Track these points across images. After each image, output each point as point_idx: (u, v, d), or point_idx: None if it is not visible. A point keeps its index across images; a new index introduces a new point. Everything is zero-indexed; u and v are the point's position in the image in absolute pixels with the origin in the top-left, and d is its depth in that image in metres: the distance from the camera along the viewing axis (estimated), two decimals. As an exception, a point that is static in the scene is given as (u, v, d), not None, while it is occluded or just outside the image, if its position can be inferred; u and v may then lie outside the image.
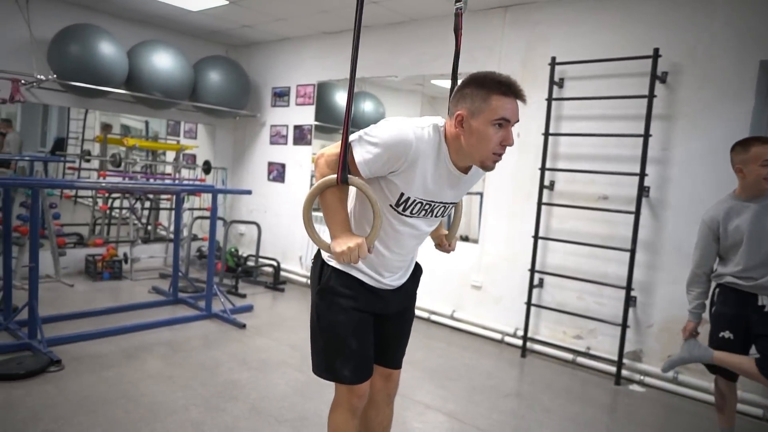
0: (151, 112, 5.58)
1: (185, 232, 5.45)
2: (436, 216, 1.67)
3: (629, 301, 3.45)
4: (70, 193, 6.76)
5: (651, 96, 3.33)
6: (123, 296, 4.63)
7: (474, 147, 1.48)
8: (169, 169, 6.46)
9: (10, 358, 2.98)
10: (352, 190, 1.66)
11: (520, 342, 3.92)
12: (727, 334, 2.42)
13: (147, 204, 6.13)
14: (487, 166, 1.52)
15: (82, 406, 2.60)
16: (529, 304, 3.87)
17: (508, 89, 1.45)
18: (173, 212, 5.55)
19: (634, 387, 3.42)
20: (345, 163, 1.48)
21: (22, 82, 4.50)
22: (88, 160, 6.27)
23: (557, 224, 3.88)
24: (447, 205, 1.67)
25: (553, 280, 3.88)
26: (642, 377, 3.44)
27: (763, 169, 2.32)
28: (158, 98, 5.06)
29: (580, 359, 3.69)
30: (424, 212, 1.61)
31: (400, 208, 1.58)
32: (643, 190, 3.39)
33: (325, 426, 2.53)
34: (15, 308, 3.53)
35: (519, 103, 1.48)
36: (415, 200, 1.56)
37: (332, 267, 1.68)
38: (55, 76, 4.50)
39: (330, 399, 1.79)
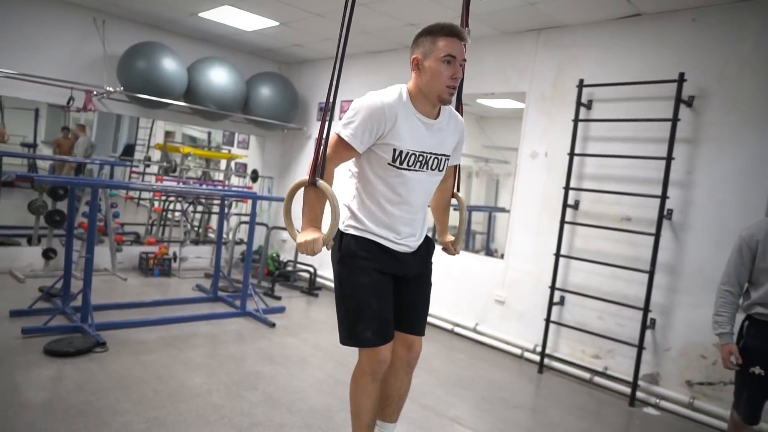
0: (206, 122, 6.02)
1: (230, 236, 5.81)
2: (432, 169, 1.86)
3: (646, 323, 3.44)
4: (133, 195, 7.34)
5: (675, 119, 3.35)
6: (169, 291, 5.00)
7: (429, 83, 1.75)
8: (221, 176, 6.90)
9: (64, 338, 3.34)
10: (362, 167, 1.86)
11: (539, 358, 3.95)
12: (758, 371, 2.25)
13: (199, 208, 6.56)
14: (444, 99, 1.77)
15: (119, 383, 2.90)
16: (548, 321, 3.90)
17: (451, 30, 1.74)
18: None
19: (649, 410, 3.39)
20: (316, 169, 1.71)
21: (94, 93, 5.01)
22: (147, 165, 6.79)
23: (581, 243, 3.91)
24: (439, 157, 1.86)
25: (574, 298, 3.90)
26: (658, 400, 3.41)
27: None
28: (212, 110, 5.46)
29: (597, 379, 3.69)
30: (419, 164, 1.81)
31: (397, 162, 1.78)
32: (663, 213, 3.40)
33: (334, 419, 2.73)
34: (72, 295, 3.92)
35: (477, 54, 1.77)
36: (407, 152, 1.77)
37: (350, 234, 1.87)
38: (122, 88, 4.98)
39: (343, 395, 1.97)
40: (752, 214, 3.11)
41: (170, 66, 5.07)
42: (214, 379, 3.09)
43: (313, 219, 1.75)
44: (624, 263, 3.62)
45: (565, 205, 3.87)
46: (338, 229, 1.90)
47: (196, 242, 6.28)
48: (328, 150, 1.75)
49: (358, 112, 1.73)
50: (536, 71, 4.24)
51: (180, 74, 5.17)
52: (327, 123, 1.72)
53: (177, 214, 6.09)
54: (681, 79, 3.33)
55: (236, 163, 6.76)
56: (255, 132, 6.50)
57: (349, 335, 1.85)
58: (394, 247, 1.87)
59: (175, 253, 5.65)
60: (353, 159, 1.87)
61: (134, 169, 6.88)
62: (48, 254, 4.82)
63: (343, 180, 1.98)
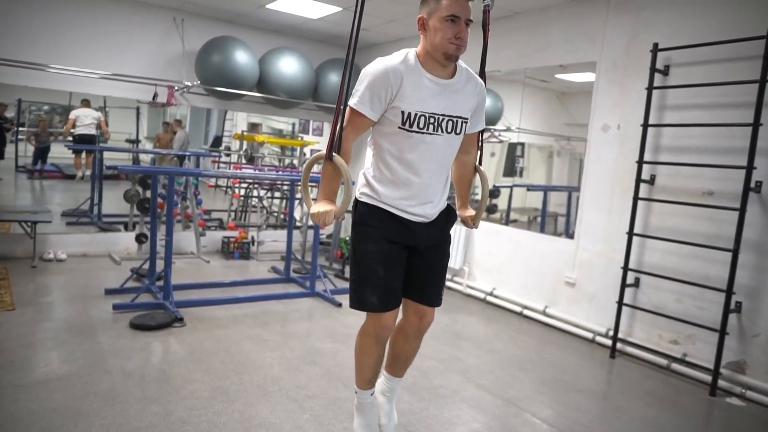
0: (278, 111, 6.25)
1: (304, 220, 6.02)
2: (448, 132, 1.83)
3: (729, 306, 3.15)
4: (221, 183, 7.78)
5: (763, 81, 3.01)
6: (246, 273, 5.29)
7: (434, 41, 1.73)
8: (296, 163, 7.14)
9: (147, 313, 3.65)
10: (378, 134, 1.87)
11: (611, 342, 3.75)
12: None
13: (277, 194, 6.85)
14: (450, 55, 1.74)
15: (191, 354, 3.13)
16: (620, 303, 3.69)
17: None
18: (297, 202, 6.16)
19: (733, 400, 3.12)
20: (332, 144, 1.73)
21: (176, 88, 5.36)
22: (228, 155, 7.17)
23: (657, 221, 3.64)
24: (454, 119, 1.83)
25: (650, 280, 3.65)
26: (743, 390, 3.12)
27: None
28: (283, 98, 5.66)
29: (675, 365, 3.45)
30: (431, 126, 1.79)
31: (407, 125, 1.77)
32: (750, 185, 3.07)
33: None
34: (158, 276, 4.27)
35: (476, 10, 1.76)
36: (416, 114, 1.76)
37: (364, 202, 1.90)
38: (199, 82, 5.29)
39: None
40: None
41: (242, 58, 5.30)
42: (277, 354, 3.25)
43: (328, 192, 1.80)
44: (705, 241, 3.33)
45: (638, 180, 3.62)
46: (356, 197, 1.94)
47: (274, 227, 6.57)
48: (345, 124, 1.78)
49: (362, 79, 1.76)
50: (607, 38, 3.97)
51: (252, 66, 5.39)
52: (343, 97, 1.74)
53: (254, 200, 6.39)
54: (769, 35, 2.98)
55: (311, 150, 6.96)
56: (327, 119, 6.65)
57: (356, 299, 1.89)
58: (406, 216, 1.87)
59: (253, 237, 5.95)
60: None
61: (217, 158, 7.30)
62: (139, 239, 5.27)
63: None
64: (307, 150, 6.85)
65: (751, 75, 3.11)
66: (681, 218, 3.51)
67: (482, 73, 1.99)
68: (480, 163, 2.12)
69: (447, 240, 2.04)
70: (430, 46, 1.75)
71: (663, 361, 3.51)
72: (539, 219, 6.75)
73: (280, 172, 6.42)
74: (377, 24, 5.45)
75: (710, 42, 3.28)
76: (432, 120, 1.78)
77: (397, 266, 1.89)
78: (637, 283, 3.73)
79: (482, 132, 2.07)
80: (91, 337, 3.25)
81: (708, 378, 3.24)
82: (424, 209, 1.89)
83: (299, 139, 7.22)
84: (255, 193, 6.37)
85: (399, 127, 1.77)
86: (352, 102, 1.76)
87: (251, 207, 6.38)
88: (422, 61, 1.78)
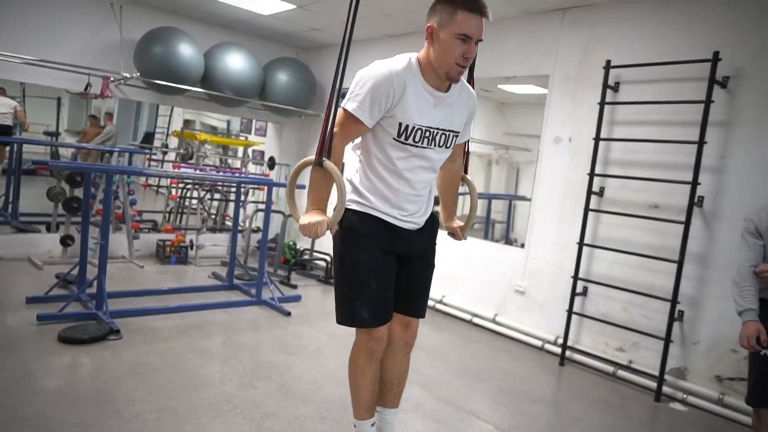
0: (223, 109, 5.97)
1: (246, 224, 5.78)
2: (439, 146, 1.75)
3: (674, 315, 3.30)
4: (152, 182, 7.36)
5: (708, 102, 3.17)
6: (185, 279, 4.99)
7: (439, 57, 1.62)
8: (238, 164, 6.86)
9: (78, 325, 3.33)
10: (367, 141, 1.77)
11: (559, 350, 3.83)
12: (765, 352, 2.22)
13: (216, 196, 6.54)
14: (452, 77, 1.65)
15: (132, 371, 2.87)
16: (570, 312, 3.78)
17: (473, 5, 1.58)
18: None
19: (676, 405, 3.26)
20: (323, 149, 1.61)
21: (111, 79, 4.98)
22: (165, 153, 6.79)
23: (606, 232, 3.76)
24: (446, 133, 1.75)
25: (598, 289, 3.76)
26: (685, 396, 3.27)
27: None
28: (229, 96, 5.40)
29: (621, 372, 3.56)
30: (426, 140, 1.71)
31: (402, 137, 1.68)
32: (694, 200, 3.23)
33: (348, 410, 2.66)
34: (85, 281, 3.92)
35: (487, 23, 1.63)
36: (414, 127, 1.67)
37: (353, 209, 1.78)
38: (138, 74, 4.94)
39: None
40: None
41: (187, 51, 5.01)
42: (227, 369, 3.05)
43: (318, 200, 1.67)
44: (651, 252, 3.47)
45: (589, 192, 3.72)
46: None
47: (213, 230, 6.26)
48: (336, 128, 1.66)
49: (364, 82, 1.63)
50: (560, 53, 4.07)
51: (197, 60, 5.11)
52: (335, 99, 1.63)
53: (194, 201, 6.07)
54: (716, 59, 3.14)
55: (253, 151, 6.72)
56: (272, 119, 6.43)
57: (345, 314, 1.78)
58: (398, 223, 1.78)
59: (191, 241, 5.64)
60: None
61: (152, 156, 6.88)
62: (65, 241, 4.84)
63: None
64: (250, 151, 6.59)
65: (697, 95, 3.27)
66: (628, 230, 3.64)
67: (470, 78, 1.94)
68: (466, 172, 2.07)
69: (434, 248, 1.98)
70: (435, 59, 1.65)
71: (609, 368, 3.62)
72: (483, 226, 6.88)
73: (222, 173, 6.14)
74: (330, 24, 5.33)
75: (659, 62, 3.43)
76: (427, 134, 1.71)
77: (390, 277, 1.80)
78: (585, 292, 3.84)
79: (468, 140, 2.02)
80: (14, 353, 2.91)
81: (653, 384, 3.37)
82: (414, 217, 1.82)
83: (243, 138, 6.94)
84: (194, 194, 6.04)
85: (394, 138, 1.69)
86: (350, 106, 1.64)
87: (190, 209, 6.04)
88: (423, 69, 1.69)
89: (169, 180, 6.32)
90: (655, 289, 3.46)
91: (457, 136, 1.82)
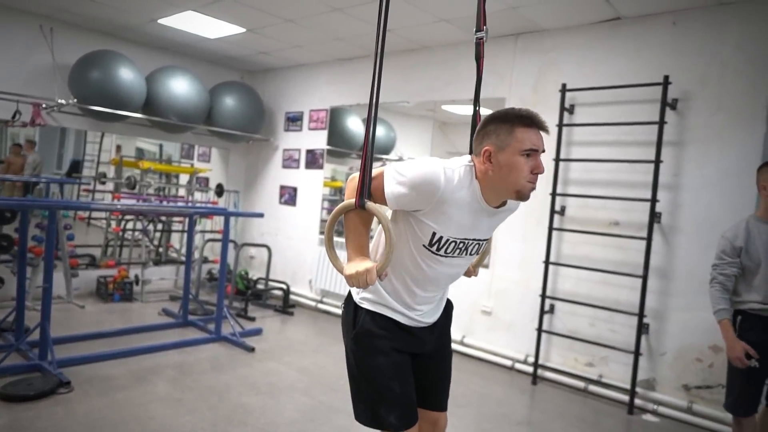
0: (167, 135, 5.68)
1: (196, 255, 5.49)
2: (470, 254, 1.65)
3: (642, 328, 3.41)
4: (84, 214, 6.85)
5: (662, 123, 3.34)
6: (133, 318, 4.65)
7: (507, 179, 1.49)
8: (182, 192, 6.54)
9: (21, 379, 2.99)
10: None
11: (530, 369, 3.86)
12: (753, 363, 2.32)
13: (159, 226, 6.18)
14: (524, 195, 1.52)
15: (91, 429, 2.59)
16: (540, 330, 3.82)
17: (531, 121, 1.49)
18: (185, 234, 5.61)
19: (648, 417, 3.35)
20: (363, 190, 1.50)
21: (43, 106, 4.61)
22: (103, 182, 6.36)
23: (569, 250, 3.86)
24: (481, 242, 1.65)
25: (564, 306, 3.84)
26: (656, 407, 3.37)
27: None
28: (174, 122, 5.15)
29: (592, 387, 3.63)
30: (458, 251, 1.60)
31: (434, 248, 1.57)
32: (654, 216, 3.38)
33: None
34: (27, 329, 3.55)
35: (543, 134, 1.52)
36: (448, 239, 1.56)
37: (366, 309, 1.66)
38: (75, 100, 4.61)
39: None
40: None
41: (127, 76, 4.73)
42: (197, 416, 2.83)
43: (360, 246, 1.53)
44: (613, 268, 3.58)
45: (552, 211, 3.81)
46: (353, 299, 1.70)
47: (157, 263, 5.90)
48: (378, 181, 1.53)
49: (412, 180, 1.48)
50: (515, 77, 4.18)
51: (138, 84, 4.84)
52: (370, 137, 1.52)
53: (137, 233, 5.70)
54: (666, 82, 3.32)
55: (197, 177, 6.42)
56: (218, 144, 6.20)
57: (371, 418, 1.64)
58: (412, 324, 1.68)
59: (136, 276, 5.28)
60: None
61: (86, 187, 6.41)
62: (-5, 284, 4.38)
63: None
64: (197, 177, 6.30)
65: (649, 117, 3.44)
66: (591, 247, 3.75)
67: (476, 104, 1.88)
68: None
69: (449, 338, 1.88)
70: (501, 181, 1.50)
71: (581, 384, 3.68)
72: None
73: (167, 203, 5.82)
74: (280, 48, 5.22)
75: (613, 86, 3.59)
76: (461, 245, 1.60)
77: (410, 377, 1.69)
78: (552, 310, 3.90)
79: None
80: (-52, 417, 2.57)
81: (624, 398, 3.45)
82: (427, 316, 1.71)
83: (189, 165, 6.63)
84: (137, 225, 5.68)
85: (424, 246, 1.57)
86: (388, 189, 1.50)
87: (133, 241, 5.66)
88: (482, 188, 1.54)
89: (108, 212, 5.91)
90: (620, 304, 3.56)
91: (487, 241, 1.73)
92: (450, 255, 1.60)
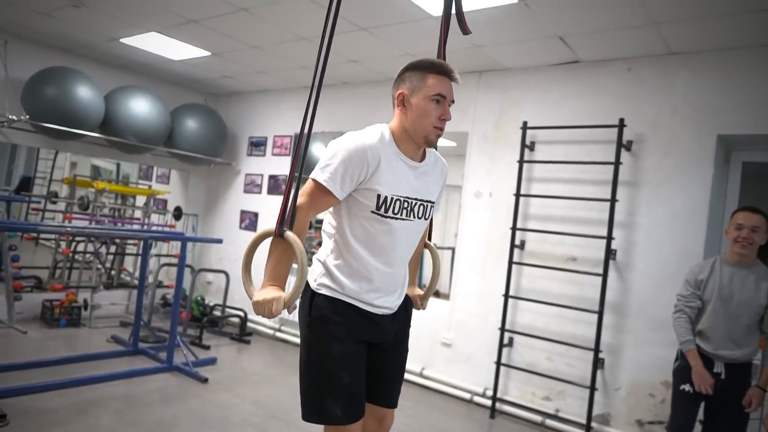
0: (124, 156, 5.53)
1: (150, 279, 5.30)
2: (418, 217, 1.70)
3: (597, 363, 3.46)
4: (32, 234, 6.56)
5: (617, 163, 3.46)
6: (79, 345, 4.42)
7: (416, 122, 1.61)
8: (138, 214, 6.35)
9: (-50, 412, 2.79)
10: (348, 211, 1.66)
11: (489, 402, 3.86)
12: (687, 387, 2.53)
13: (113, 248, 5.96)
14: (431, 140, 1.64)
15: (25, 467, 2.43)
16: (498, 363, 3.83)
17: (442, 68, 1.62)
18: (139, 258, 5.42)
19: (603, 452, 3.38)
20: (284, 218, 1.52)
21: (-7, 121, 4.43)
22: (54, 202, 6.11)
23: (528, 283, 3.91)
24: (425, 204, 1.71)
25: (522, 339, 3.87)
26: (610, 442, 3.41)
27: (734, 232, 2.48)
28: (133, 143, 5.02)
29: (549, 421, 3.65)
30: (404, 211, 1.65)
31: (382, 210, 1.60)
32: (610, 253, 3.47)
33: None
34: (-39, 357, 3.33)
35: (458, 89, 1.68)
36: (392, 198, 1.61)
37: (323, 294, 1.64)
38: (27, 117, 4.44)
39: None
40: (688, 255, 3.25)
41: (85, 94, 4.60)
42: (142, 453, 2.68)
43: (275, 276, 1.53)
44: (569, 303, 3.64)
45: (512, 245, 3.87)
46: (310, 287, 1.68)
47: (108, 287, 5.67)
48: (303, 198, 1.55)
49: (336, 154, 1.55)
50: (478, 112, 4.28)
51: (96, 103, 4.71)
52: (299, 161, 1.53)
53: (88, 255, 5.47)
54: (621, 125, 3.46)
55: (155, 199, 6.25)
56: (178, 166, 6.07)
57: (314, 410, 1.61)
58: (372, 310, 1.67)
59: (85, 300, 5.05)
60: (330, 210, 1.68)
61: (35, 206, 6.15)
62: (-72, 307, 4.10)
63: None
64: (152, 200, 6.12)
65: (605, 157, 3.57)
66: (548, 281, 3.81)
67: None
68: (429, 239, 2.03)
69: (408, 333, 1.87)
70: (411, 125, 1.62)
71: (538, 418, 3.69)
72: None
73: (121, 224, 5.63)
74: (245, 73, 5.20)
75: (571, 125, 3.71)
76: (406, 204, 1.64)
77: (362, 370, 1.66)
78: (511, 343, 3.92)
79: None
80: None
81: (580, 432, 3.48)
82: (389, 300, 1.71)
83: (146, 187, 6.46)
84: (89, 247, 5.46)
85: (372, 212, 1.60)
86: (321, 177, 1.54)
87: (84, 264, 5.43)
88: (397, 140, 1.64)
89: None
90: (576, 338, 3.62)
91: (433, 206, 1.78)
92: (398, 216, 1.64)
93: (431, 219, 1.97)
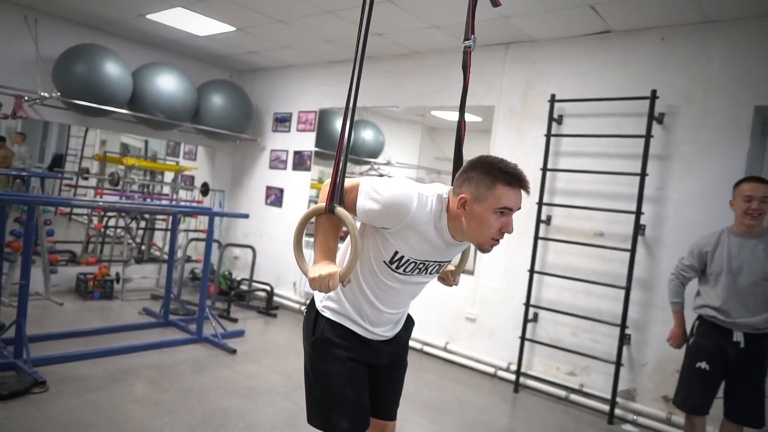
0: (152, 132, 5.61)
1: (179, 254, 5.42)
2: (430, 273, 1.66)
3: (623, 339, 3.43)
4: (65, 209, 6.74)
5: (648, 136, 3.37)
6: (112, 317, 4.57)
7: (474, 230, 1.49)
8: (166, 190, 6.46)
9: (-6, 378, 2.92)
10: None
11: (513, 377, 3.87)
12: (704, 365, 2.54)
13: (142, 224, 6.10)
14: (484, 250, 1.52)
15: (65, 430, 2.54)
16: (523, 338, 3.83)
17: (514, 180, 1.45)
18: (168, 233, 5.53)
19: (628, 427, 3.37)
20: (334, 195, 1.49)
21: (26, 98, 4.53)
22: (86, 178, 6.26)
23: (553, 259, 3.88)
24: (441, 263, 1.66)
25: (547, 315, 3.86)
26: (635, 417, 3.40)
27: (743, 204, 2.46)
28: (160, 119, 5.09)
29: (573, 396, 3.65)
30: (417, 270, 1.61)
31: (394, 266, 1.58)
32: (639, 228, 3.41)
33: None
34: (2, 326, 3.47)
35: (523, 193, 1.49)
36: (409, 259, 1.57)
37: (326, 318, 1.67)
38: (58, 93, 4.53)
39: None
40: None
41: (114, 71, 4.66)
42: (174, 419, 2.78)
43: (327, 250, 1.53)
44: (596, 278, 3.60)
45: (538, 221, 3.83)
46: (315, 306, 1.71)
47: (139, 261, 5.81)
48: (349, 184, 1.53)
49: (385, 199, 1.47)
50: (504, 86, 4.20)
51: (124, 80, 4.77)
52: (345, 138, 1.51)
53: (119, 230, 5.61)
54: (654, 96, 3.36)
55: (183, 175, 6.35)
56: (204, 142, 6.14)
57: (322, 420, 1.66)
58: (370, 336, 1.69)
59: (117, 274, 5.19)
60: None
61: (68, 182, 6.30)
62: (-30, 279, 4.27)
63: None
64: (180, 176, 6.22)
65: (635, 130, 3.48)
66: (575, 256, 3.77)
67: (461, 114, 1.87)
68: None
69: (407, 351, 1.89)
70: (468, 231, 1.50)
71: (562, 393, 3.70)
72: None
73: (151, 200, 5.74)
74: (270, 48, 5.19)
75: (602, 98, 3.62)
76: (421, 265, 1.60)
77: (364, 384, 1.70)
78: (535, 318, 3.91)
79: None
80: None
81: (605, 407, 3.47)
82: (387, 332, 1.73)
83: (174, 163, 6.56)
84: (120, 222, 5.59)
85: (384, 262, 1.58)
86: (360, 203, 1.50)
87: (115, 238, 5.57)
88: (449, 223, 1.54)
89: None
90: (602, 314, 3.59)
91: (449, 262, 1.73)
92: (409, 273, 1.61)
93: None
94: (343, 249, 1.69)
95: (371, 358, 1.72)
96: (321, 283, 1.45)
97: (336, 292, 1.66)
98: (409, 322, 1.85)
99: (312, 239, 1.60)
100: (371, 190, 1.50)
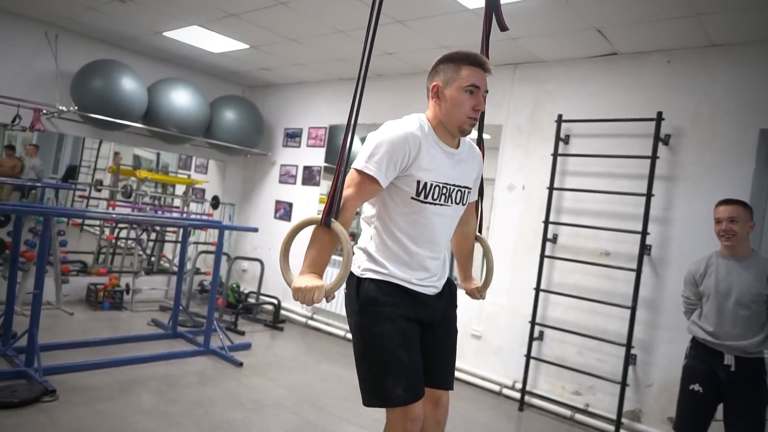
0: (165, 146, 5.72)
1: (188, 266, 5.48)
2: (456, 202, 1.75)
3: (629, 359, 3.43)
4: (78, 220, 6.85)
5: (654, 157, 3.41)
6: (122, 327, 4.62)
7: (450, 113, 1.66)
8: (177, 202, 6.55)
9: (5, 386, 2.97)
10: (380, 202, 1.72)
11: (518, 395, 3.87)
12: (696, 387, 2.53)
13: (153, 236, 6.18)
14: (465, 130, 1.70)
15: (74, 438, 2.58)
16: (528, 356, 3.84)
17: (475, 60, 1.67)
18: (178, 245, 5.61)
19: (633, 448, 3.36)
20: (331, 208, 1.54)
21: (44, 111, 4.64)
22: (99, 190, 6.37)
23: (559, 277, 3.89)
24: (462, 189, 1.76)
25: (553, 333, 3.86)
26: (641, 438, 3.39)
27: (715, 226, 2.54)
28: (174, 133, 5.19)
29: (579, 416, 3.64)
30: (443, 197, 1.70)
31: (422, 196, 1.65)
32: (644, 248, 3.42)
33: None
34: (14, 334, 3.53)
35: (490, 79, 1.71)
36: (432, 184, 1.66)
37: (369, 278, 1.68)
38: (76, 107, 4.64)
39: None
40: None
41: (129, 86, 4.78)
42: (182, 430, 2.81)
43: (316, 264, 1.54)
44: (602, 298, 3.61)
45: (545, 239, 3.85)
46: (354, 275, 1.72)
47: (149, 272, 5.88)
48: (350, 189, 1.58)
49: (379, 144, 1.59)
50: (512, 105, 4.26)
51: (140, 95, 4.88)
52: (345, 154, 1.56)
53: (130, 242, 5.69)
54: (660, 118, 3.40)
55: (194, 188, 6.45)
56: (216, 156, 6.23)
57: (375, 393, 1.62)
58: (419, 289, 1.71)
59: (127, 285, 5.26)
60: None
61: (81, 193, 6.42)
62: (-16, 287, 4.35)
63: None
64: (191, 189, 6.31)
65: (642, 151, 3.51)
66: (581, 275, 3.78)
67: (480, 139, 1.97)
68: (480, 232, 2.07)
69: (455, 312, 1.90)
70: (445, 116, 1.67)
71: (567, 412, 3.69)
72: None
73: (161, 213, 5.83)
74: (282, 65, 5.30)
75: (608, 119, 3.67)
76: (444, 190, 1.69)
77: (417, 347, 1.68)
78: (541, 337, 3.92)
79: (481, 200, 2.03)
80: (-70, 422, 2.55)
81: (610, 428, 3.46)
82: (432, 281, 1.76)
83: (185, 176, 6.66)
84: (131, 234, 5.67)
85: (412, 198, 1.65)
86: (367, 167, 1.57)
87: (126, 250, 5.65)
88: (434, 128, 1.70)
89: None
90: (608, 333, 3.59)
91: (470, 192, 1.82)
92: (437, 202, 1.68)
93: (481, 212, 2.01)
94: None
95: (422, 313, 1.71)
96: (305, 295, 1.46)
97: (373, 252, 1.69)
98: (453, 286, 1.88)
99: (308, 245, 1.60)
100: (365, 155, 1.60)
